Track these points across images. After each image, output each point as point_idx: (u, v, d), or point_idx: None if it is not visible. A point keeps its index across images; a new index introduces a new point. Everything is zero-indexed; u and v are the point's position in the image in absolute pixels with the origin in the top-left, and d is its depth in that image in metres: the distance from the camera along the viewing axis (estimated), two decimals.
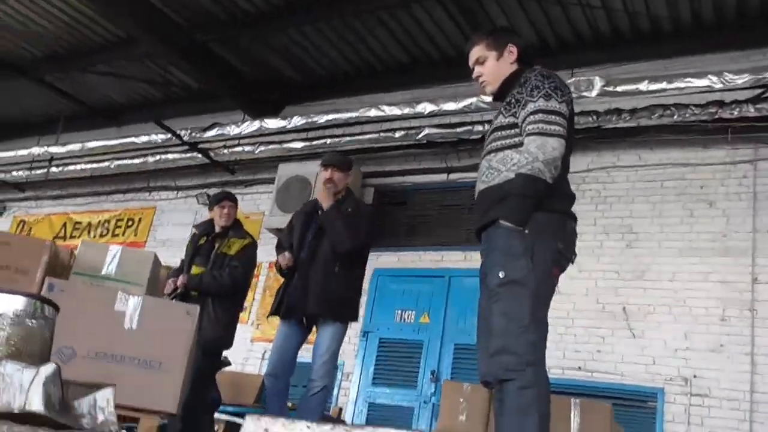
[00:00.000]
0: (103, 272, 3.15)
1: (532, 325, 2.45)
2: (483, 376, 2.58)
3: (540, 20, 6.84)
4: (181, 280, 4.68)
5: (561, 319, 6.43)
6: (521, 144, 2.63)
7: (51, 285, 2.92)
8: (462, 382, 4.80)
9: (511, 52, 2.89)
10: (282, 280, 4.44)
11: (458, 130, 7.19)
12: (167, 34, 7.57)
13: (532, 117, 2.60)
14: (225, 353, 5.33)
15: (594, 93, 6.00)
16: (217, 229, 4.99)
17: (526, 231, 2.51)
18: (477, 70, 2.95)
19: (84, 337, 2.89)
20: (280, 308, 4.26)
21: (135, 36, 7.71)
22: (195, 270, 4.80)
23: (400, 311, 7.36)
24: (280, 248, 4.47)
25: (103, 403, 1.62)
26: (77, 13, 7.93)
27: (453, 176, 7.59)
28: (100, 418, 1.61)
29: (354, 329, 7.48)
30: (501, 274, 2.50)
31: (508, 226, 2.52)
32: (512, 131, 2.68)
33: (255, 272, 5.11)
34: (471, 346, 6.40)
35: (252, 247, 4.94)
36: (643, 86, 5.92)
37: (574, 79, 6.29)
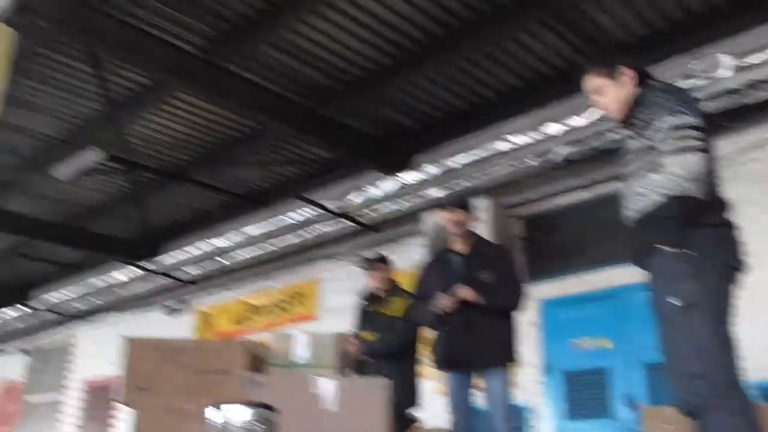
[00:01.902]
0: (295, 359, 3.39)
1: (718, 345, 2.38)
2: (678, 404, 2.53)
3: (645, 9, 6.62)
4: (354, 347, 4.92)
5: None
6: (661, 165, 2.58)
7: (252, 380, 3.18)
8: (662, 406, 4.61)
9: (626, 74, 2.87)
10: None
11: (593, 143, 7.04)
12: (291, 115, 8.02)
13: (665, 135, 2.56)
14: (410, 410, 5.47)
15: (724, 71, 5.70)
16: (377, 293, 5.21)
17: (689, 252, 2.46)
18: (597, 100, 2.95)
19: (289, 425, 3.11)
20: (446, 361, 4.35)
21: (263, 123, 8.24)
22: (365, 336, 5.03)
23: (577, 339, 7.16)
24: (419, 299, 4.54)
25: None
26: (206, 112, 8.58)
27: (599, 190, 7.41)
28: None
29: (535, 367, 7.38)
30: (674, 300, 2.47)
31: (669, 250, 2.48)
32: (648, 154, 2.65)
33: None
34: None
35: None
36: None
37: (696, 61, 6.01)
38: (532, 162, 7.47)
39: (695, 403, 2.40)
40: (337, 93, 8.03)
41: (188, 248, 10.97)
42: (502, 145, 7.35)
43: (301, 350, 3.35)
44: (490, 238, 7.53)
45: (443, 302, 4.22)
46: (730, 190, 6.45)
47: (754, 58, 5.69)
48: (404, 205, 8.62)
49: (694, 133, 2.54)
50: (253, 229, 9.94)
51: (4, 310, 14.79)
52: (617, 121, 2.93)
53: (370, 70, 7.67)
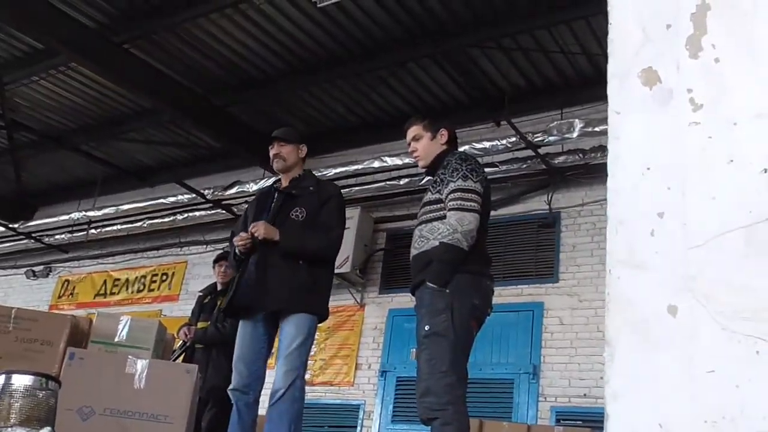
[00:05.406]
0: (116, 339, 3.65)
1: (451, 369, 2.87)
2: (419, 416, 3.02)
3: (527, 67, 7.30)
4: (187, 334, 5.20)
5: (564, 349, 6.77)
6: (445, 216, 3.08)
7: (71, 354, 3.43)
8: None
9: (443, 135, 3.37)
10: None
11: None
12: (187, 103, 8.22)
13: (452, 195, 3.09)
14: None
15: (575, 134, 6.41)
16: (219, 287, 5.51)
17: (447, 290, 2.95)
18: (413, 145, 3.44)
19: (101, 397, 3.38)
20: (235, 306, 3.64)
21: (158, 106, 8.38)
22: (201, 325, 5.31)
23: (415, 350, 7.72)
24: (232, 237, 3.85)
25: None
26: (103, 88, 8.63)
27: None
28: None
29: (373, 369, 7.88)
30: (426, 327, 2.97)
31: (432, 287, 2.97)
32: (438, 206, 3.17)
33: None
34: (483, 379, 6.75)
35: None
36: None
37: (562, 120, 6.75)
38: (401, 183, 7.99)
39: (423, 414, 2.90)
40: (238, 90, 8.27)
41: (62, 215, 10.83)
42: (377, 165, 7.82)
43: (123, 332, 3.62)
44: (355, 245, 7.97)
45: (238, 240, 3.58)
46: (570, 238, 7.22)
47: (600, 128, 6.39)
48: None
49: (475, 197, 3.07)
50: (129, 205, 9.94)
51: None
52: (424, 168, 3.43)
53: (271, 75, 7.96)
